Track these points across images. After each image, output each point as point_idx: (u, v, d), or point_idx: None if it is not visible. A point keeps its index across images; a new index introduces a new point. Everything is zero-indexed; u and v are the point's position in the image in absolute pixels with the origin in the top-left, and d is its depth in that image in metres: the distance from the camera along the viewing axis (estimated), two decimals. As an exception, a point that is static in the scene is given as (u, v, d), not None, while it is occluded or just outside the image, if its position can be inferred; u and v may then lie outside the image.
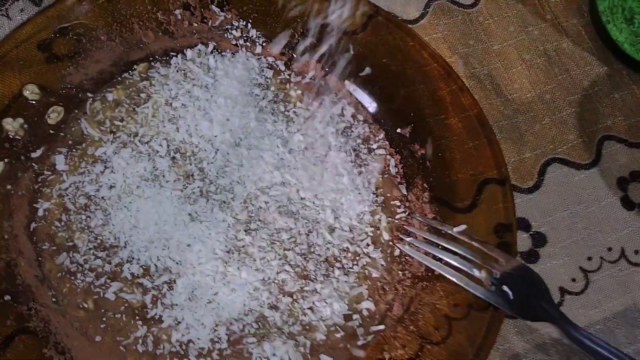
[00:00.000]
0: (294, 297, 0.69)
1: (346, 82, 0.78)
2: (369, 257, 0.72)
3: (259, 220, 0.71)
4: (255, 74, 0.77)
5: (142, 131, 0.73)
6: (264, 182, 0.72)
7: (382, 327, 0.69)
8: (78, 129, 0.73)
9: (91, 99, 0.74)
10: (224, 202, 0.71)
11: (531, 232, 0.77)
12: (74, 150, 0.72)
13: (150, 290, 0.68)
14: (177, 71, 0.76)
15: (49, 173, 0.71)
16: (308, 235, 0.71)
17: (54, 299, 0.66)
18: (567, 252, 0.77)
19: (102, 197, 0.70)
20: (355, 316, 0.69)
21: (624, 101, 0.85)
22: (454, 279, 0.67)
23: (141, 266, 0.68)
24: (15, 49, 0.72)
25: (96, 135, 0.73)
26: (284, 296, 0.69)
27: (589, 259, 0.77)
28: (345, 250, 0.72)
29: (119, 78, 0.75)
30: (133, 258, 0.68)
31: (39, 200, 0.70)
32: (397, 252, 0.72)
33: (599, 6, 0.85)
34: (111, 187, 0.71)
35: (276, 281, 0.69)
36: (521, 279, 0.66)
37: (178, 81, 0.76)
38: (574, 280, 0.76)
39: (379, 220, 0.73)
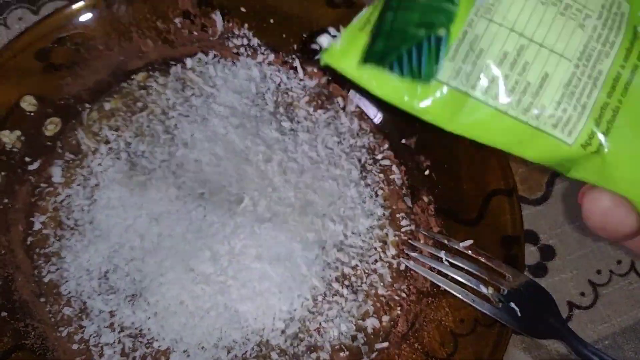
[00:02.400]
0: (302, 321, 0.67)
1: (350, 91, 0.77)
2: (376, 273, 0.70)
3: (262, 239, 0.68)
4: (257, 83, 0.75)
5: (135, 141, 0.72)
6: (267, 198, 0.70)
7: (386, 344, 0.67)
8: (75, 139, 0.71)
9: (88, 109, 0.73)
10: (226, 218, 0.68)
11: (539, 245, 0.76)
12: (70, 162, 0.71)
13: (148, 313, 0.66)
14: (176, 80, 0.75)
15: (46, 185, 0.69)
16: (317, 254, 0.69)
17: (51, 315, 0.65)
18: (576, 265, 0.75)
19: (93, 217, 0.69)
20: (360, 335, 0.68)
21: (633, 110, 0.83)
22: (459, 296, 0.66)
23: (135, 288, 0.67)
24: (13, 59, 0.70)
25: (92, 145, 0.71)
26: (291, 321, 0.67)
27: (598, 272, 0.75)
28: (354, 268, 0.70)
29: (117, 88, 0.74)
30: (127, 275, 0.67)
31: (35, 213, 0.68)
32: (402, 267, 0.71)
33: None
34: (105, 202, 0.69)
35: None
36: (529, 295, 0.64)
37: (176, 90, 0.74)
38: (582, 294, 0.74)
39: (386, 234, 0.72)
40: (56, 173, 0.70)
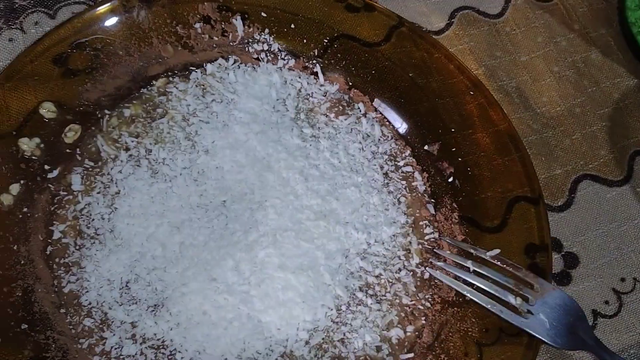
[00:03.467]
0: (326, 331, 0.66)
1: (371, 96, 0.76)
2: (400, 282, 0.69)
3: (284, 248, 0.67)
4: (277, 89, 0.74)
5: (156, 148, 0.71)
6: (289, 206, 0.69)
7: (411, 355, 0.66)
8: (94, 146, 0.71)
9: (108, 115, 0.72)
10: (248, 227, 0.67)
11: (563, 253, 0.75)
12: (90, 169, 0.70)
13: (170, 324, 0.65)
14: (196, 86, 0.74)
15: (65, 193, 0.68)
16: (340, 263, 0.68)
17: (71, 327, 0.64)
18: (600, 273, 0.74)
19: (114, 225, 0.68)
20: (384, 345, 0.66)
21: (656, 115, 0.82)
22: (487, 306, 0.65)
23: (157, 298, 0.66)
24: (31, 64, 0.69)
25: (112, 152, 0.70)
26: (315, 331, 0.66)
27: (622, 280, 0.74)
28: (378, 277, 0.69)
29: (137, 94, 0.73)
30: (148, 285, 0.66)
31: (55, 222, 0.67)
32: (426, 276, 0.70)
33: (629, 17, 0.83)
34: (125, 210, 0.68)
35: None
36: (557, 305, 0.63)
37: (197, 96, 0.73)
38: (607, 302, 0.73)
39: (410, 242, 0.71)
40: (76, 181, 0.69)
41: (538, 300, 0.63)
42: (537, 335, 0.62)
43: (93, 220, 0.68)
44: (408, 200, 0.73)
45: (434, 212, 0.72)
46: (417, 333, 0.67)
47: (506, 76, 0.82)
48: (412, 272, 0.70)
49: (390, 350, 0.66)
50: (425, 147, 0.74)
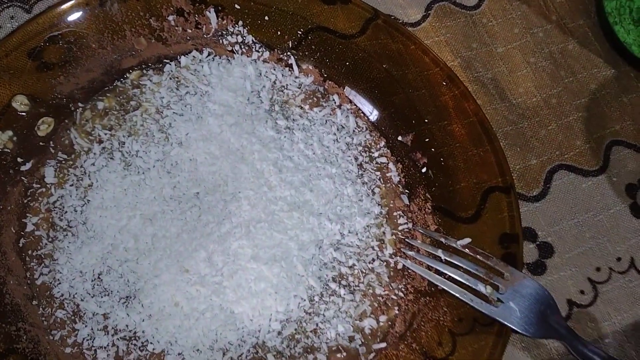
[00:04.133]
0: (299, 322, 0.67)
1: (346, 88, 0.76)
2: (374, 272, 0.69)
3: (258, 239, 0.67)
4: (252, 81, 0.74)
5: (129, 141, 0.71)
6: (262, 197, 0.69)
7: (383, 344, 0.67)
8: (68, 139, 0.71)
9: (81, 108, 0.72)
10: (221, 218, 0.67)
11: (538, 243, 0.75)
12: (63, 162, 0.70)
13: (142, 315, 0.65)
14: (170, 79, 0.74)
15: (38, 186, 0.69)
16: (313, 254, 0.68)
17: (43, 319, 0.64)
18: (575, 262, 0.74)
19: (86, 218, 0.68)
20: (357, 335, 0.67)
21: (632, 105, 0.82)
22: (457, 295, 0.65)
23: (129, 290, 0.66)
24: (5, 58, 0.69)
25: (85, 145, 0.71)
26: (288, 322, 0.66)
27: (598, 269, 0.75)
28: (352, 267, 0.69)
29: (110, 87, 0.73)
30: (120, 277, 0.66)
31: (28, 214, 0.67)
32: (400, 266, 0.70)
33: (605, 7, 0.83)
34: (98, 203, 0.68)
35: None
36: (529, 294, 0.63)
37: (170, 89, 0.73)
38: (582, 292, 0.73)
39: (384, 233, 0.71)
40: (49, 174, 0.69)
41: (509, 288, 0.64)
42: (506, 324, 0.62)
43: (66, 212, 0.68)
44: (382, 191, 0.73)
45: (407, 203, 0.73)
46: (389, 323, 0.68)
47: (482, 67, 0.82)
48: (385, 263, 0.70)
49: (363, 340, 0.67)
50: (399, 138, 0.74)
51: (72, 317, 0.64)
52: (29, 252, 0.66)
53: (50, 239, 0.67)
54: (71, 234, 0.67)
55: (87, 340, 0.64)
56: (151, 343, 0.64)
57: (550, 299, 0.63)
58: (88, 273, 0.66)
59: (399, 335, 0.67)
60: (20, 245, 0.66)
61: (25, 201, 0.68)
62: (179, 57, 0.75)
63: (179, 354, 0.64)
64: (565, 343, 0.61)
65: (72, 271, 0.66)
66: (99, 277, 0.66)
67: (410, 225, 0.72)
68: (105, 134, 0.71)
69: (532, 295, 0.63)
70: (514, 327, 0.62)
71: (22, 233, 0.67)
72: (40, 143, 0.69)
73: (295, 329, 0.66)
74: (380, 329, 0.68)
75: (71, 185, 0.69)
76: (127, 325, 0.64)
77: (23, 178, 0.68)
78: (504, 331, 0.64)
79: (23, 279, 0.65)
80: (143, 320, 0.64)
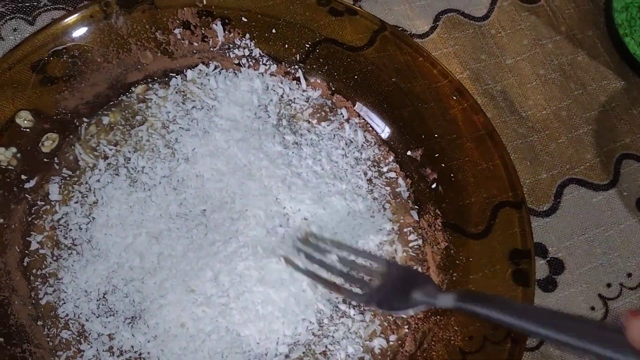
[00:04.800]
0: (307, 345, 0.65)
1: (354, 102, 0.75)
2: None
3: (265, 260, 0.66)
4: (259, 95, 0.73)
5: (135, 157, 0.70)
6: (271, 216, 0.68)
7: (394, 364, 0.66)
8: (72, 155, 0.70)
9: (86, 124, 0.71)
10: (228, 237, 0.66)
11: (548, 259, 0.74)
12: (68, 178, 0.69)
13: (147, 336, 0.64)
14: (176, 93, 0.73)
15: (43, 203, 0.68)
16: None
17: (49, 340, 0.63)
18: (586, 279, 0.74)
19: (91, 236, 0.67)
20: (367, 356, 0.66)
21: (643, 118, 0.81)
22: (325, 288, 0.64)
23: (134, 310, 0.65)
24: (9, 71, 0.68)
25: (90, 161, 0.70)
26: (295, 345, 0.65)
27: (608, 285, 0.74)
28: None
29: (116, 101, 0.72)
30: (126, 297, 0.65)
31: (32, 233, 0.66)
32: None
33: (615, 18, 0.82)
34: (103, 220, 0.67)
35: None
36: (398, 276, 0.61)
37: (177, 103, 0.72)
38: (593, 308, 0.72)
39: (395, 250, 0.70)
40: (53, 191, 0.68)
41: (378, 275, 0.62)
42: (377, 307, 0.60)
43: (70, 230, 0.67)
44: (393, 207, 0.72)
45: (417, 219, 0.72)
46: (400, 342, 0.67)
47: (491, 80, 0.81)
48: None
49: (372, 361, 0.66)
50: (409, 153, 0.73)
51: (77, 338, 0.63)
52: (34, 271, 0.65)
53: (54, 258, 0.66)
54: (76, 252, 0.66)
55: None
56: None
57: (417, 274, 0.63)
58: (93, 292, 0.65)
59: (409, 354, 0.66)
60: (25, 264, 0.65)
61: (29, 219, 0.66)
62: (185, 70, 0.74)
63: None
64: (436, 306, 0.58)
65: (77, 290, 0.64)
66: (104, 297, 0.65)
67: (420, 242, 0.71)
68: (111, 150, 0.70)
69: (401, 276, 0.61)
70: (385, 309, 0.60)
71: (27, 252, 0.65)
72: (45, 159, 0.68)
73: (304, 352, 0.65)
74: (390, 348, 0.67)
75: (76, 202, 0.68)
76: (132, 347, 0.63)
77: (27, 195, 0.67)
78: (518, 349, 0.63)
79: (28, 299, 0.64)
80: (148, 342, 0.63)
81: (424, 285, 0.59)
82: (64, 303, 0.64)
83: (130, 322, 0.64)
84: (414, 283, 0.59)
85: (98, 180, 0.68)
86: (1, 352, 0.60)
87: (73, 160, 0.70)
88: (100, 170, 0.69)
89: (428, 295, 0.58)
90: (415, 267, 0.69)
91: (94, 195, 0.68)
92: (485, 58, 0.82)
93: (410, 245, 0.71)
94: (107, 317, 0.64)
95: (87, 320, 0.64)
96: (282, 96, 0.75)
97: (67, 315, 0.64)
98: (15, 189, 0.66)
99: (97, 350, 0.63)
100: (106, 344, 0.63)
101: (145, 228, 0.66)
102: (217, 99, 0.73)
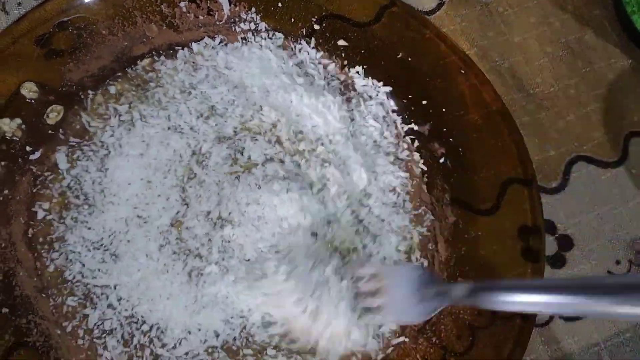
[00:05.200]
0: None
1: (361, 77, 0.74)
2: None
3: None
4: (276, 63, 0.73)
5: (151, 110, 0.70)
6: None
7: (402, 339, 0.65)
8: (79, 124, 0.69)
9: (92, 94, 0.70)
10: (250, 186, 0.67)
11: (557, 235, 0.73)
12: (75, 145, 0.68)
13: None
14: (185, 63, 0.72)
15: (49, 173, 0.67)
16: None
17: (54, 311, 0.62)
18: (595, 255, 0.73)
19: (104, 187, 0.66)
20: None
21: (651, 95, 0.81)
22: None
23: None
24: (13, 45, 0.68)
25: (100, 124, 0.69)
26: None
27: (617, 262, 0.73)
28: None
29: (121, 73, 0.71)
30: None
31: (38, 202, 0.66)
32: (426, 264, 0.68)
33: (623, -3, 0.81)
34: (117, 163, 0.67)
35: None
36: (400, 283, 0.59)
37: (189, 73, 0.72)
38: (602, 285, 0.72)
39: (412, 235, 0.70)
40: (61, 159, 0.67)
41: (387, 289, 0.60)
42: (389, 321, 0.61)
43: (83, 188, 0.66)
44: (410, 184, 0.72)
45: (427, 194, 0.71)
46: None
47: (499, 57, 0.81)
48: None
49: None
50: (416, 128, 0.72)
51: (83, 302, 0.63)
52: (40, 239, 0.64)
53: (62, 220, 0.65)
54: (87, 205, 0.66)
55: (98, 325, 0.62)
56: (163, 331, 0.62)
57: (421, 272, 0.60)
58: (104, 240, 0.64)
59: (417, 329, 0.65)
60: (30, 235, 0.64)
61: (34, 190, 0.66)
62: (190, 44, 0.73)
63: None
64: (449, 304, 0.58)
65: (85, 247, 0.64)
66: (110, 246, 0.65)
67: (432, 217, 0.70)
68: (123, 107, 0.69)
69: (404, 281, 0.59)
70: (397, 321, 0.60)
71: (32, 223, 0.65)
72: (50, 131, 0.68)
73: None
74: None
75: (87, 160, 0.67)
76: (133, 310, 0.63)
77: (32, 167, 0.66)
78: (527, 326, 0.62)
79: (33, 270, 0.63)
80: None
81: (428, 283, 0.58)
82: (71, 264, 0.64)
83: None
84: (415, 284, 0.58)
85: (112, 135, 0.68)
86: (6, 323, 0.60)
87: (80, 128, 0.69)
88: (112, 127, 0.69)
89: (440, 294, 0.57)
90: (419, 262, 0.68)
91: (107, 149, 0.68)
92: (492, 35, 0.82)
93: (425, 224, 0.70)
94: (109, 268, 0.64)
95: (93, 277, 0.63)
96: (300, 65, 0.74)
97: (73, 277, 0.63)
98: (20, 160, 0.66)
99: (102, 311, 0.62)
100: (109, 298, 0.63)
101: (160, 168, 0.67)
102: (232, 68, 0.72)
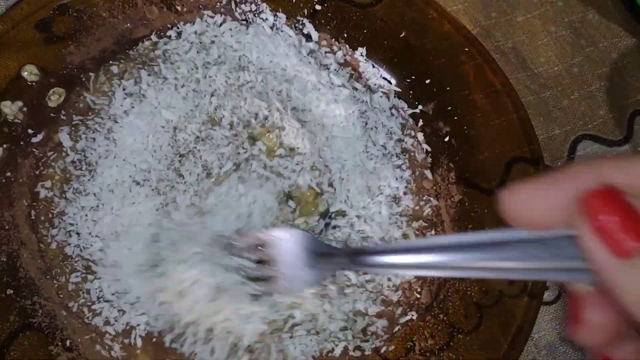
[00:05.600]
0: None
1: (365, 57, 0.74)
2: None
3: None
4: (284, 43, 0.72)
5: (160, 82, 0.69)
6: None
7: (409, 317, 0.64)
8: (83, 103, 0.68)
9: (94, 75, 0.69)
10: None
11: (563, 214, 0.73)
12: (79, 122, 0.67)
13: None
14: (190, 43, 0.71)
15: (52, 152, 0.66)
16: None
17: (59, 292, 0.62)
18: (601, 235, 0.72)
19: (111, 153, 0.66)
20: (382, 308, 0.65)
21: (655, 74, 0.80)
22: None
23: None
24: (12, 30, 0.67)
25: (105, 101, 0.68)
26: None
27: (625, 240, 0.72)
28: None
29: (122, 55, 0.71)
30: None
31: (41, 182, 0.65)
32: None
33: (626, -25, 0.81)
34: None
35: None
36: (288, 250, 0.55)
37: (198, 51, 0.71)
38: (609, 262, 0.71)
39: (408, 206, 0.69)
40: (64, 138, 0.66)
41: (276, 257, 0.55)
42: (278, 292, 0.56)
43: (87, 158, 0.66)
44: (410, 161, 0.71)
45: (431, 174, 0.71)
46: (416, 294, 0.66)
47: (502, 36, 0.80)
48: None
49: (388, 313, 0.65)
50: (420, 107, 0.72)
51: (84, 275, 0.62)
52: (42, 218, 0.64)
53: (63, 194, 0.64)
54: (89, 172, 0.65)
55: (99, 298, 0.62)
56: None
57: (306, 237, 0.55)
58: (106, 209, 0.64)
59: (425, 306, 0.65)
60: (33, 217, 0.64)
61: (37, 172, 0.65)
62: (192, 24, 0.72)
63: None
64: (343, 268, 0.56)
65: (84, 224, 0.63)
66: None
67: (435, 202, 0.70)
68: (129, 82, 0.69)
69: (290, 248, 0.54)
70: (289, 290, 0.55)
71: (34, 204, 0.64)
72: (52, 114, 0.67)
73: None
74: (406, 300, 0.65)
75: (93, 132, 0.66)
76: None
77: (34, 150, 0.65)
78: (534, 303, 0.62)
79: (37, 252, 0.62)
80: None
81: (316, 247, 0.54)
82: (70, 237, 0.63)
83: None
84: (308, 249, 0.54)
85: (121, 105, 0.67)
86: (11, 304, 0.59)
87: (84, 107, 0.68)
88: (117, 98, 0.68)
89: (327, 259, 0.53)
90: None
91: (114, 120, 0.67)
92: (495, 15, 0.81)
93: (425, 198, 0.70)
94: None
95: (100, 250, 0.63)
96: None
97: (73, 252, 0.63)
98: (22, 142, 0.65)
99: (105, 284, 0.62)
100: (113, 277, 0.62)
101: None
102: (245, 47, 0.71)
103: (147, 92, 0.68)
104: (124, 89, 0.68)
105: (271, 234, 0.55)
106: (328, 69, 0.72)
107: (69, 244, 0.63)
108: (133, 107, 0.67)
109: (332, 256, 0.52)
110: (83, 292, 0.62)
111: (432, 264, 0.41)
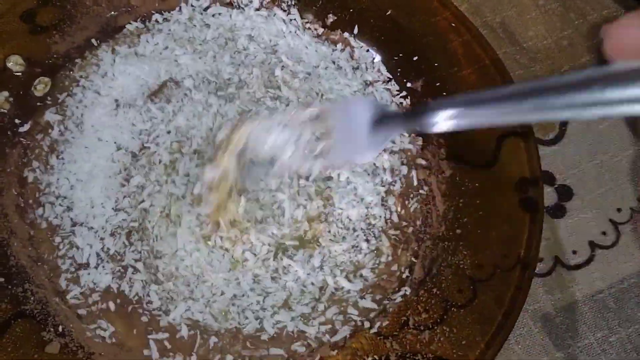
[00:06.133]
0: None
1: (353, 36, 0.73)
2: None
3: None
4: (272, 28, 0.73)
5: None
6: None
7: (404, 290, 0.64)
8: (69, 79, 0.69)
9: (80, 60, 0.70)
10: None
11: (556, 186, 0.72)
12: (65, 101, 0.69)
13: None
14: (179, 24, 0.72)
15: (40, 134, 0.67)
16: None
17: (50, 279, 0.62)
18: (596, 204, 0.72)
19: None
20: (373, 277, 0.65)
21: (646, 43, 0.79)
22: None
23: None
24: (-3, 21, 0.67)
25: (94, 69, 0.70)
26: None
27: (619, 210, 0.72)
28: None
29: (110, 40, 0.71)
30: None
31: (27, 168, 0.66)
32: (412, 208, 0.68)
33: (614, -56, 0.80)
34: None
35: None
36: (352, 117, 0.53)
37: (185, 29, 0.72)
38: (604, 233, 0.71)
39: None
40: (51, 116, 0.67)
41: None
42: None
43: (74, 117, 0.67)
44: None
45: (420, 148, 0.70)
46: (408, 269, 0.66)
47: (490, 12, 0.80)
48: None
49: (381, 288, 0.65)
50: (409, 85, 0.72)
51: (69, 246, 0.63)
52: (30, 201, 0.64)
53: (48, 166, 0.66)
54: (75, 127, 0.67)
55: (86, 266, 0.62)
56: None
57: (371, 104, 0.53)
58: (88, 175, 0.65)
59: (418, 281, 0.64)
60: (22, 205, 0.64)
61: (24, 161, 0.65)
62: (178, 9, 0.72)
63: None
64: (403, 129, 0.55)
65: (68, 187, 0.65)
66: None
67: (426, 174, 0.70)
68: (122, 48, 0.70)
69: (352, 117, 0.53)
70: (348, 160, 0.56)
71: (23, 191, 0.64)
72: (38, 103, 0.67)
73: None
74: (399, 274, 0.65)
75: (82, 89, 0.68)
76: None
77: (22, 139, 0.66)
78: (527, 273, 0.61)
79: (27, 240, 0.63)
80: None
81: (384, 113, 0.52)
82: (55, 206, 0.64)
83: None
84: (372, 116, 0.52)
85: (113, 74, 0.69)
86: (3, 292, 0.59)
87: (69, 83, 0.69)
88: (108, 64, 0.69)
89: (392, 122, 0.51)
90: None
91: (102, 76, 0.69)
92: (482, -9, 0.81)
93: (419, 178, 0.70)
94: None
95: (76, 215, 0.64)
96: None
97: (60, 219, 0.64)
98: (9, 132, 0.65)
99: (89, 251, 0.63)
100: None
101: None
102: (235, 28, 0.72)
103: (137, 48, 0.70)
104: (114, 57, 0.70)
105: (328, 105, 0.55)
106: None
107: (56, 214, 0.64)
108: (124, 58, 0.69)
109: (394, 118, 0.51)
110: (72, 268, 0.63)
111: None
